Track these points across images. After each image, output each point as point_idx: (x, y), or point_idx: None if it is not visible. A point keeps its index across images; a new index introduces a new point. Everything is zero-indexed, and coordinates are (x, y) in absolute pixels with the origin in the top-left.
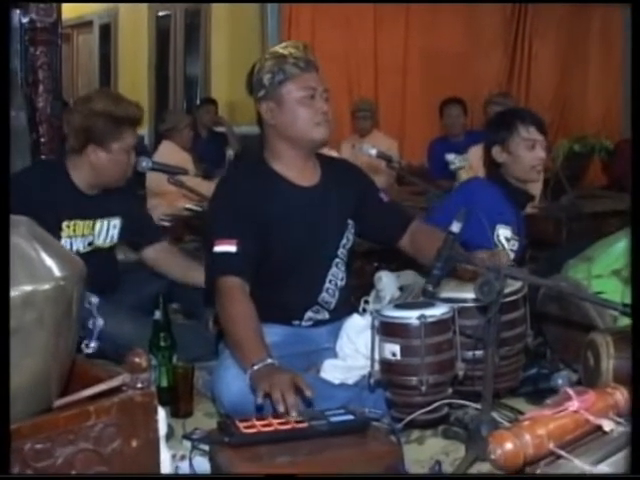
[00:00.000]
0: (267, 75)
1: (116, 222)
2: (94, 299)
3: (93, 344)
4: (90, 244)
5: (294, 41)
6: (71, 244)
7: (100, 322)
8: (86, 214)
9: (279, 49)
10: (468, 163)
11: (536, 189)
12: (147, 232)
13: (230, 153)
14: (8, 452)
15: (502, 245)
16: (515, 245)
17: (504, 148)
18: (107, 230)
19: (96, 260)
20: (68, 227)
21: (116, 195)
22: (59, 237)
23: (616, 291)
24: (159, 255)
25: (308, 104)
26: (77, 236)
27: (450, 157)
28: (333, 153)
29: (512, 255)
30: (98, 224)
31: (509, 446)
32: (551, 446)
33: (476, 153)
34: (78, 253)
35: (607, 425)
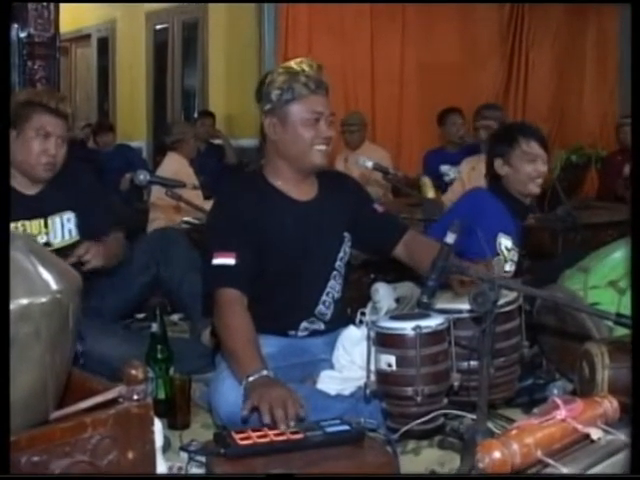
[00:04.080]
0: (276, 91)
1: (69, 216)
2: None
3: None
4: (47, 245)
5: (309, 59)
6: None
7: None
8: (32, 214)
9: (293, 64)
10: (460, 174)
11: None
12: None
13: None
14: (8, 452)
15: (503, 254)
16: (515, 256)
17: (505, 161)
18: (62, 226)
19: None
20: (16, 229)
21: (65, 189)
22: None
23: (612, 302)
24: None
25: (312, 127)
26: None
27: (444, 168)
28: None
29: (512, 265)
30: (50, 221)
31: (497, 455)
32: (539, 454)
33: (468, 165)
34: None
35: (595, 433)
